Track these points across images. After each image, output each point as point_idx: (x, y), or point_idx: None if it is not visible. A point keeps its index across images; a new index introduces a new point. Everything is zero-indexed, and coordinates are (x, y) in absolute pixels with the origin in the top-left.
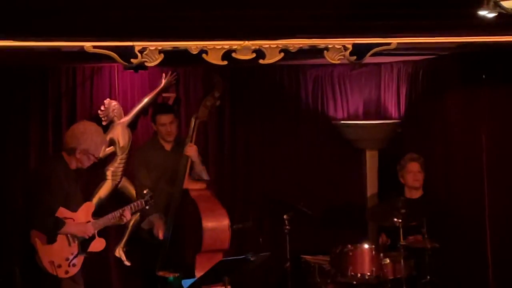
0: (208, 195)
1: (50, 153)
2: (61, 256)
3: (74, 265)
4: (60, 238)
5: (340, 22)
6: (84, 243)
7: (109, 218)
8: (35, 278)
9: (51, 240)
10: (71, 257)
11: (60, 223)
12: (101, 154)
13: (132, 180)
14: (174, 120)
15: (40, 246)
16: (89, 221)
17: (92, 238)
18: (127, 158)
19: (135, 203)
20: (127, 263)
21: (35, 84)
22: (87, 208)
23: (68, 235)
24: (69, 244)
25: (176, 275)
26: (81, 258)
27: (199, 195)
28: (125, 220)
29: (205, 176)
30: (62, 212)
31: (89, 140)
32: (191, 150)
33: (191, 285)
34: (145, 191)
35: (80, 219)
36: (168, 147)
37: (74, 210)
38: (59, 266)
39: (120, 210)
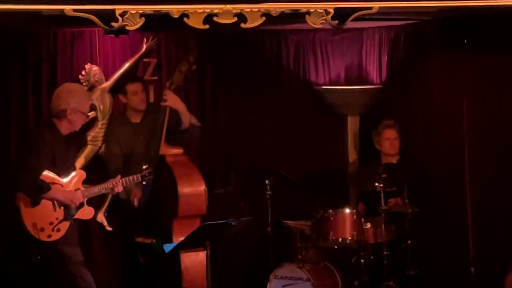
0: (184, 160)
1: (30, 117)
2: (44, 220)
3: (58, 230)
4: (45, 202)
5: None
6: (70, 209)
7: (100, 188)
8: (19, 241)
9: (35, 203)
10: (55, 222)
11: (45, 187)
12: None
13: None
14: (144, 88)
15: (23, 208)
16: (78, 189)
17: (80, 206)
18: (107, 124)
19: (131, 177)
20: (109, 228)
21: (15, 49)
22: (78, 176)
23: (54, 201)
24: (55, 209)
25: (153, 241)
26: (66, 224)
27: (175, 161)
28: (116, 191)
29: (197, 122)
30: (50, 177)
31: (77, 97)
32: (170, 98)
33: (172, 250)
34: (144, 167)
35: (69, 186)
36: (137, 118)
37: (64, 177)
38: (42, 229)
39: (113, 182)
